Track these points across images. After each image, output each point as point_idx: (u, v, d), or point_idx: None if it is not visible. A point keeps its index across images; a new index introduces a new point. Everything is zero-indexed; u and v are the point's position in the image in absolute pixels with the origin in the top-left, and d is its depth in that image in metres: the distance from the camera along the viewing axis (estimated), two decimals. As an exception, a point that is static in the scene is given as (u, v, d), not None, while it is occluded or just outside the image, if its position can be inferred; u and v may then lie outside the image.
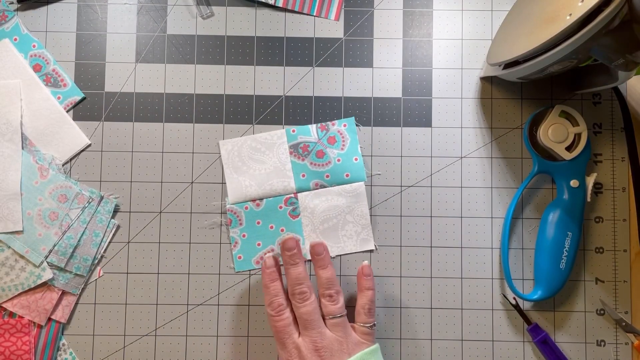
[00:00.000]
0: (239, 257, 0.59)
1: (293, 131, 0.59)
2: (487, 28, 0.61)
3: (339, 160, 0.59)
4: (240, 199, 0.59)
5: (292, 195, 0.59)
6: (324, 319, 0.53)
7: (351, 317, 0.54)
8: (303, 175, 0.59)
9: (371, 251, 0.59)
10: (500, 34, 0.57)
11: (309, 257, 0.58)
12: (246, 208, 0.59)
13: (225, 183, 0.60)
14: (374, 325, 0.53)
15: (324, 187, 0.59)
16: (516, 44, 0.51)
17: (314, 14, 0.61)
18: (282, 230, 0.59)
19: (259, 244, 0.59)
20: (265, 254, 0.59)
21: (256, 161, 0.59)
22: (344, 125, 0.60)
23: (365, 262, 0.56)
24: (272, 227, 0.59)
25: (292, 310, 0.53)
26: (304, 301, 0.52)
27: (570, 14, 0.44)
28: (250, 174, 0.59)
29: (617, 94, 0.60)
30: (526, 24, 0.51)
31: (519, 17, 0.54)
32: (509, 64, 0.53)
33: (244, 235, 0.59)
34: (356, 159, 0.59)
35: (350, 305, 0.57)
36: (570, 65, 0.49)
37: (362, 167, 0.59)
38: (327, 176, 0.59)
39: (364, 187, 0.59)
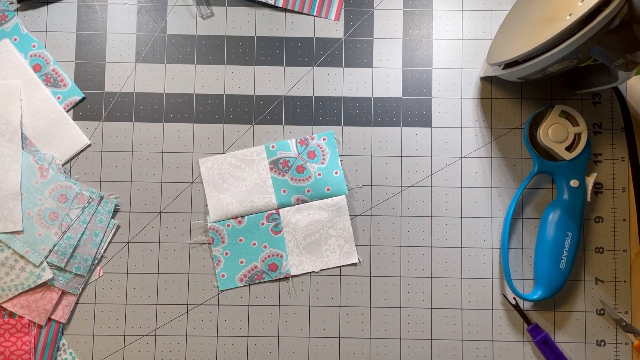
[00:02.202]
0: (223, 276, 0.59)
1: (273, 147, 0.59)
2: (487, 28, 0.61)
3: (319, 174, 0.59)
4: (222, 217, 0.59)
5: (274, 211, 0.59)
6: None
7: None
8: (284, 191, 0.59)
9: (355, 264, 0.59)
10: (500, 34, 0.57)
11: (293, 273, 0.58)
12: (228, 226, 0.59)
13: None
14: None
15: (305, 202, 0.59)
16: (516, 44, 0.51)
17: (314, 14, 0.61)
18: (265, 247, 0.59)
19: (242, 262, 0.59)
20: (250, 271, 0.59)
21: (236, 178, 0.59)
22: (324, 139, 0.59)
23: None
24: (254, 244, 0.59)
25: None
26: None
27: (570, 14, 0.44)
28: (231, 192, 0.59)
29: (617, 94, 0.60)
30: (526, 24, 0.51)
31: (519, 17, 0.54)
32: (509, 64, 0.53)
33: (226, 253, 0.59)
34: (337, 173, 0.59)
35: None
36: (570, 65, 0.49)
37: (343, 181, 0.59)
38: (308, 191, 0.59)
39: (345, 200, 0.59)
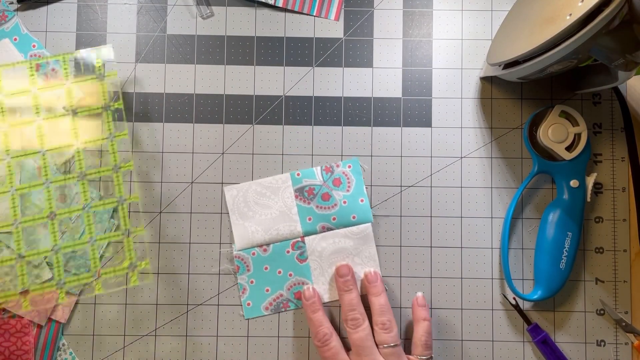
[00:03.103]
0: (248, 304, 0.58)
1: (298, 175, 0.59)
2: (487, 28, 0.61)
3: (345, 202, 0.58)
4: (247, 245, 0.58)
5: (299, 239, 0.59)
6: (377, 348, 0.53)
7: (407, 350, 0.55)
8: (309, 219, 0.58)
9: None
10: (500, 34, 0.57)
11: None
12: (253, 254, 0.58)
13: (225, 185, 0.60)
14: (431, 358, 0.54)
15: (331, 229, 0.58)
16: (516, 44, 0.51)
17: (314, 14, 0.61)
18: (290, 275, 0.58)
19: (267, 290, 0.58)
20: (275, 299, 0.58)
21: (262, 206, 0.59)
22: (349, 167, 0.59)
23: (420, 293, 0.57)
24: (280, 272, 0.58)
25: (340, 339, 0.55)
26: (357, 327, 0.52)
27: (570, 14, 0.44)
28: (257, 219, 0.59)
29: (617, 94, 0.60)
30: (526, 24, 0.51)
31: (519, 17, 0.54)
32: (509, 64, 0.53)
33: (252, 282, 0.58)
34: (362, 200, 0.59)
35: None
36: (570, 65, 0.49)
37: (369, 209, 0.59)
38: (334, 219, 0.58)
39: (371, 228, 0.58)
